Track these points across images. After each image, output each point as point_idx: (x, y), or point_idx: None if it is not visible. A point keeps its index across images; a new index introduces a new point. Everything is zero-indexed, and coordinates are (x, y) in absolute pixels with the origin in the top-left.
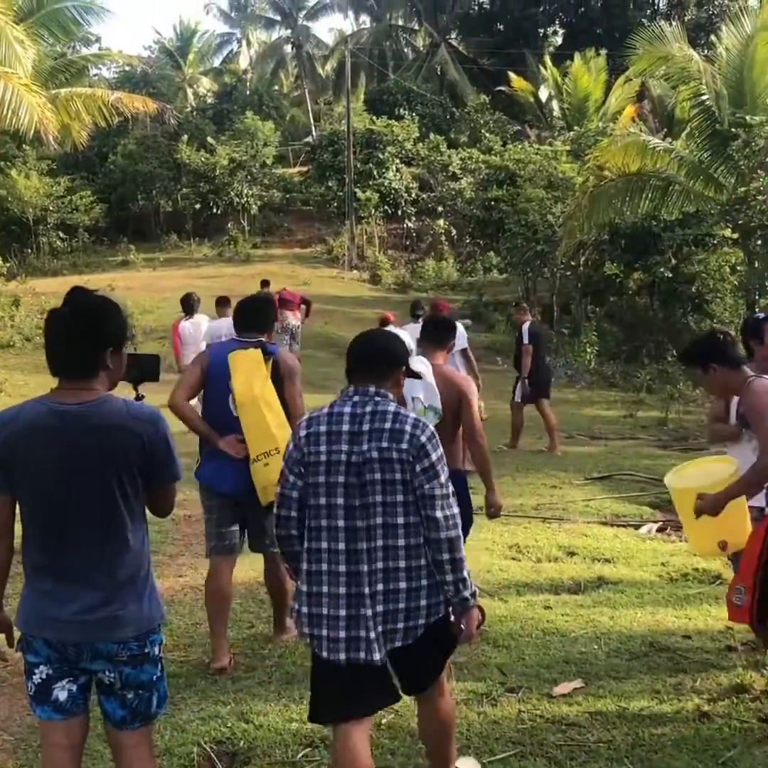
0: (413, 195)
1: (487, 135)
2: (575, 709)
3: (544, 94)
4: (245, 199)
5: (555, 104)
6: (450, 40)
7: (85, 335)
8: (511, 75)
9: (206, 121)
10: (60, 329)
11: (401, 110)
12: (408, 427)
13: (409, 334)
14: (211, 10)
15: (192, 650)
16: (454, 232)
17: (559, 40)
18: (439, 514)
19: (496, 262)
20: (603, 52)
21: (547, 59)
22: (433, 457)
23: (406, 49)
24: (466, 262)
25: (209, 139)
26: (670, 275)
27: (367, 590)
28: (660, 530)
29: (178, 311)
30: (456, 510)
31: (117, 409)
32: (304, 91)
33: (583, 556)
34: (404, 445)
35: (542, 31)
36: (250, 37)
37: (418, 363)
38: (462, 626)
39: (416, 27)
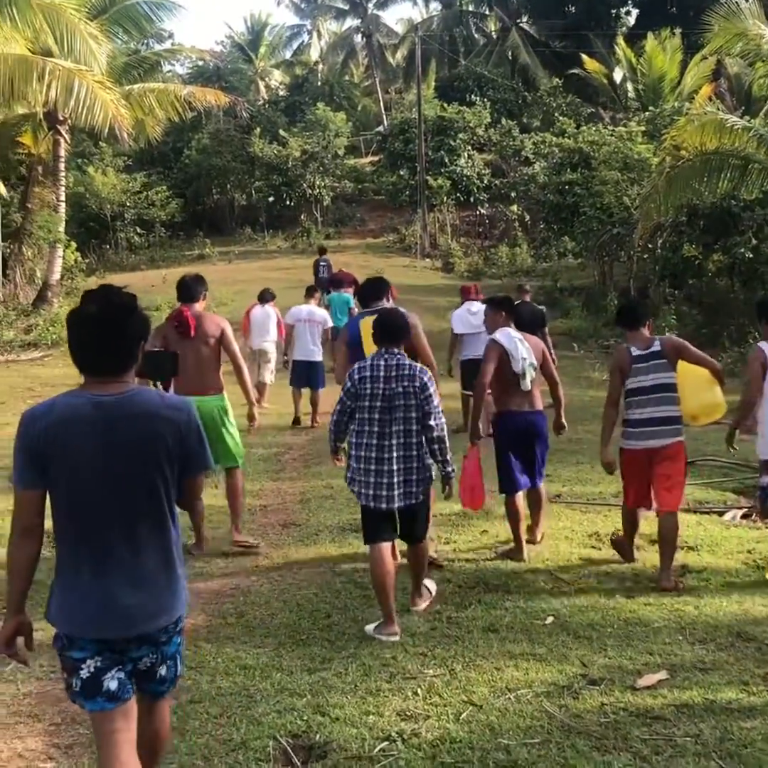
0: (485, 181)
1: (561, 118)
2: (660, 701)
3: (617, 75)
4: (318, 190)
5: (629, 85)
6: (521, 24)
7: (120, 331)
8: (584, 57)
9: (278, 114)
10: (92, 327)
11: (472, 96)
12: (417, 373)
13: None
14: (281, 3)
15: (268, 641)
16: (527, 217)
17: (631, 20)
18: (433, 422)
19: (571, 247)
20: (677, 30)
21: (620, 40)
22: (431, 390)
23: (476, 35)
24: (541, 247)
25: (281, 132)
26: (751, 256)
27: (394, 467)
28: (745, 517)
29: (252, 300)
30: (443, 420)
31: (151, 398)
32: (375, 80)
33: None
34: (416, 383)
35: (614, 11)
36: (320, 28)
37: (514, 332)
38: (447, 489)
39: (487, 12)
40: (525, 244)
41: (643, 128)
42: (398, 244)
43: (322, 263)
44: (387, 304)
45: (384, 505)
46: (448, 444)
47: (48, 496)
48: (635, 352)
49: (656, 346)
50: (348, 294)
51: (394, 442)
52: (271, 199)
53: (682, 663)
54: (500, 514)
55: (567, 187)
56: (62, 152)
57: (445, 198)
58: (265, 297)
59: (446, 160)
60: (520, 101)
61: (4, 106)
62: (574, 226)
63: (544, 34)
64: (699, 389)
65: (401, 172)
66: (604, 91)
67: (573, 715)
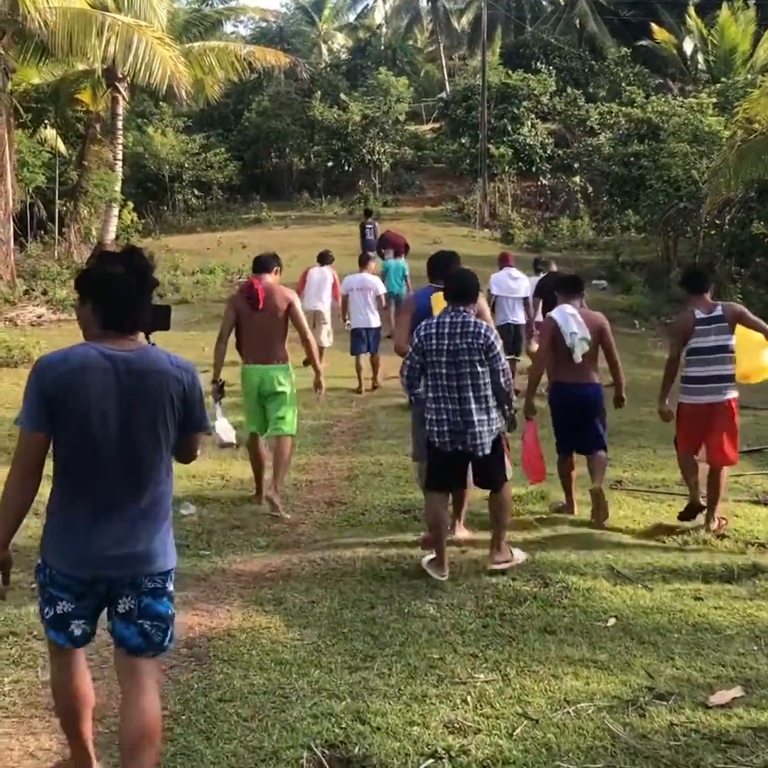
0: (548, 151)
1: (629, 88)
2: (735, 722)
3: (688, 46)
4: (377, 156)
5: (699, 57)
6: None
7: (141, 291)
8: (654, 26)
9: (340, 77)
10: (119, 285)
11: (538, 64)
12: (483, 331)
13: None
14: None
15: (307, 632)
16: (590, 189)
17: None
18: (501, 378)
19: (635, 221)
20: (751, 2)
21: (692, 10)
22: (497, 347)
23: (544, 1)
24: (603, 220)
25: (342, 96)
26: None
27: (471, 418)
28: None
29: (308, 265)
30: (509, 375)
31: (159, 356)
32: (439, 46)
33: (735, 540)
34: (481, 341)
35: None
36: None
37: (568, 309)
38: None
39: None
40: (587, 217)
41: (714, 100)
42: (457, 213)
43: (368, 226)
44: None
45: (460, 448)
46: (513, 398)
47: (52, 441)
48: (699, 315)
49: (718, 311)
50: (404, 262)
51: (466, 394)
52: (329, 164)
53: (758, 678)
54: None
55: (633, 158)
56: (120, 110)
57: (506, 167)
58: (325, 258)
59: (509, 129)
60: (586, 70)
61: (63, 62)
62: (639, 199)
63: (612, 3)
64: (753, 351)
65: (462, 140)
66: (673, 62)
67: (639, 736)
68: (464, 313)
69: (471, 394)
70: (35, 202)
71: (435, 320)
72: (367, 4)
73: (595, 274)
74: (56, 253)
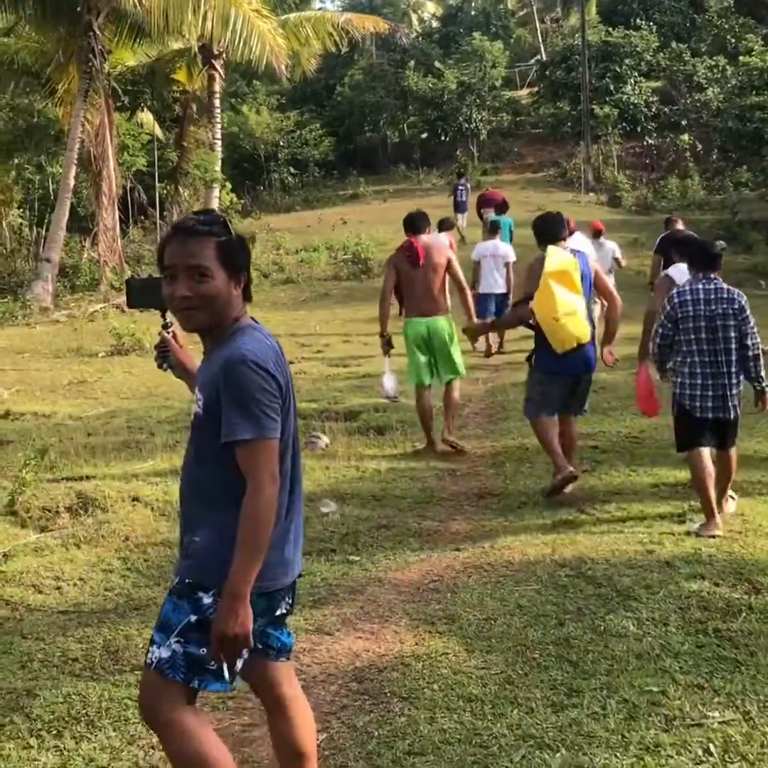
0: (653, 110)
1: (747, 36)
2: None
3: None
4: (474, 124)
5: None
6: None
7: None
8: None
9: (432, 46)
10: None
11: (637, 20)
12: (736, 296)
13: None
14: None
15: (492, 658)
16: (699, 147)
17: None
18: (750, 342)
19: (747, 178)
20: None
21: None
22: (748, 311)
23: None
24: (714, 178)
25: (436, 64)
26: None
27: (725, 381)
28: None
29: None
30: (759, 339)
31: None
32: (532, 8)
33: None
34: (736, 306)
35: None
36: None
37: (683, 266)
38: (760, 404)
39: None
40: (696, 176)
41: None
42: (559, 178)
43: (460, 187)
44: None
45: (721, 415)
46: (761, 358)
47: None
48: None
49: None
50: (510, 219)
51: (721, 358)
52: (424, 135)
53: None
54: None
55: (748, 112)
56: (217, 88)
57: (610, 128)
58: (444, 225)
59: (611, 88)
60: (688, 24)
61: (158, 42)
62: (759, 153)
63: None
64: None
65: (560, 104)
66: None
67: None
68: (715, 280)
69: (726, 357)
70: (135, 186)
71: (688, 287)
72: None
73: (712, 235)
74: (158, 238)
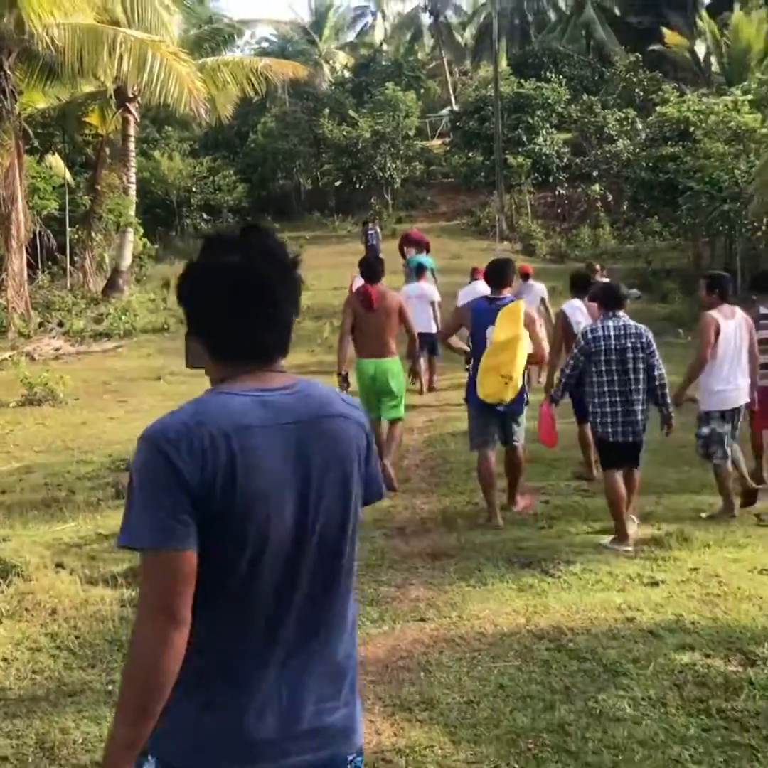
0: (565, 160)
1: (661, 88)
2: None
3: (699, 49)
4: (388, 172)
5: (713, 59)
6: None
7: (288, 295)
8: (665, 31)
9: (346, 95)
10: (254, 281)
11: (547, 73)
12: (643, 331)
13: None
14: None
15: (482, 751)
16: (610, 197)
17: None
18: (657, 372)
19: (658, 228)
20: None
21: (704, 12)
22: (654, 345)
23: (548, 11)
24: (624, 228)
25: (351, 112)
26: None
27: (635, 407)
28: None
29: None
30: (663, 369)
31: (326, 392)
32: (442, 61)
33: None
34: (643, 340)
35: None
36: (384, 8)
37: (576, 302)
38: (666, 427)
39: None
40: (607, 225)
41: (750, 97)
42: (473, 226)
43: (370, 232)
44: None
45: (630, 439)
46: (668, 390)
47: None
48: (763, 311)
49: None
50: (431, 259)
51: (631, 387)
52: (339, 182)
53: None
54: None
55: (660, 164)
56: (132, 131)
57: (524, 178)
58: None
59: (524, 139)
60: (596, 78)
61: (70, 84)
62: (670, 203)
63: (619, 8)
64: None
65: (473, 153)
66: (685, 65)
67: None
68: (622, 318)
69: (636, 386)
70: (44, 230)
71: (599, 324)
72: (367, 23)
73: (627, 284)
74: (69, 284)
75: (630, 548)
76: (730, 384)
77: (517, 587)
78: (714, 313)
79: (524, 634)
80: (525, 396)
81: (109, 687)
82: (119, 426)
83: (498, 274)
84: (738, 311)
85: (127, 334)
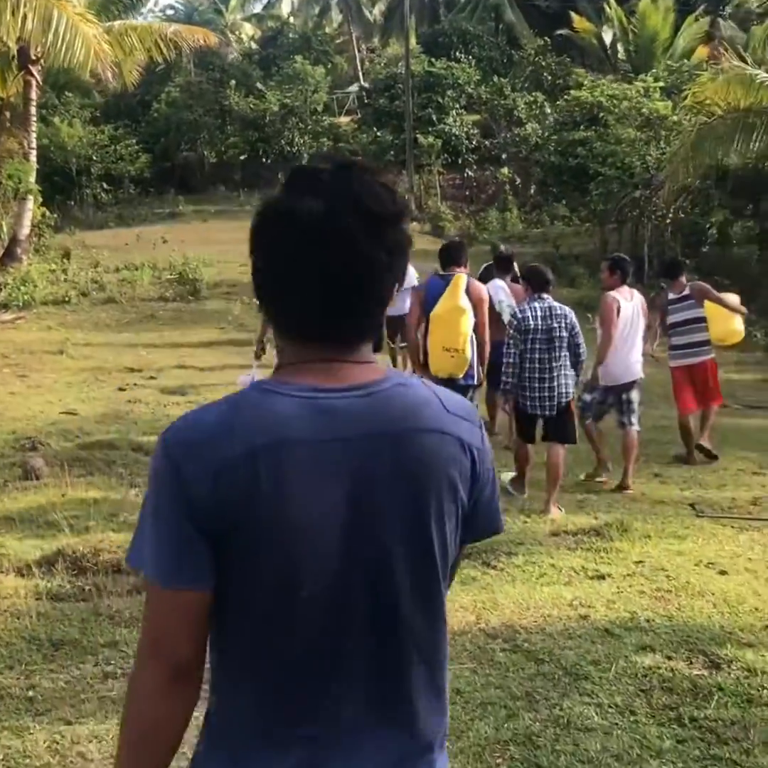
0: (474, 142)
1: (577, 70)
2: None
3: (607, 36)
4: (296, 147)
5: (620, 46)
6: None
7: (379, 258)
8: (574, 15)
9: (253, 67)
10: (327, 247)
11: (457, 53)
12: (567, 312)
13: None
14: None
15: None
16: (518, 181)
17: None
18: (580, 350)
19: (564, 212)
20: None
21: None
22: (577, 326)
23: None
24: (532, 212)
25: (258, 85)
26: None
27: (555, 383)
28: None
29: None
30: (585, 347)
31: (422, 397)
32: (351, 36)
33: None
34: (568, 320)
35: None
36: None
37: (499, 282)
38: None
39: None
40: (515, 209)
41: (661, 84)
42: None
43: None
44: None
45: (548, 412)
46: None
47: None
48: (671, 296)
49: (686, 291)
50: None
51: (553, 365)
52: (244, 156)
53: None
54: None
55: (569, 149)
56: (34, 95)
57: (434, 158)
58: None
59: (434, 119)
60: (505, 60)
61: None
62: (579, 189)
63: None
64: (722, 320)
65: (382, 132)
66: (592, 51)
67: None
68: (547, 299)
69: (558, 363)
70: None
71: (527, 305)
72: None
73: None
74: None
75: (524, 495)
76: (625, 362)
77: (459, 580)
78: (615, 294)
79: (476, 634)
80: (476, 370)
81: (30, 693)
82: (21, 401)
83: (445, 252)
84: (636, 294)
85: (27, 306)
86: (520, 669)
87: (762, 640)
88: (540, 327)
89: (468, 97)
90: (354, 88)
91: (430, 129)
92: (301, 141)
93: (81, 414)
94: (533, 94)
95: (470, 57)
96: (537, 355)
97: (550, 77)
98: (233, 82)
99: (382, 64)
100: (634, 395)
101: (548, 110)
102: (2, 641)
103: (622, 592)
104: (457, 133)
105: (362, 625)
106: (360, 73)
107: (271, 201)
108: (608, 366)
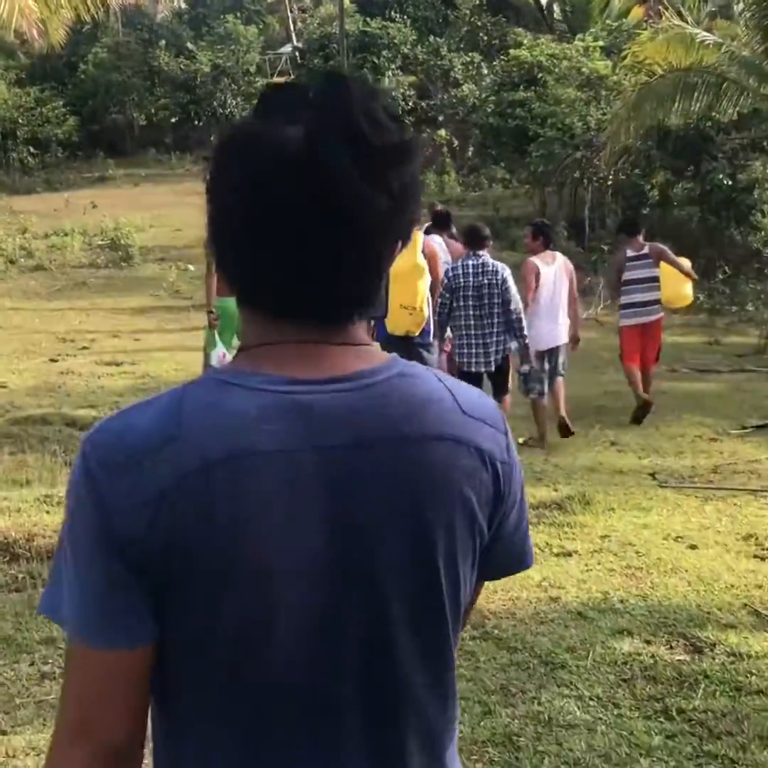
0: (411, 104)
1: (516, 29)
2: None
3: None
4: (229, 109)
5: (556, 7)
6: None
7: (379, 206)
8: None
9: (183, 26)
10: (308, 189)
11: (392, 13)
12: (499, 269)
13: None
14: None
15: None
16: (456, 143)
17: None
18: (512, 307)
19: (503, 174)
20: None
21: None
22: (510, 282)
23: None
24: (469, 175)
25: (189, 45)
26: (730, 182)
27: (490, 340)
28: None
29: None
30: (520, 305)
31: (428, 392)
32: None
33: None
34: (499, 277)
35: None
36: None
37: (437, 238)
38: (522, 357)
39: None
40: (453, 172)
41: (601, 43)
42: None
43: None
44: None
45: (483, 369)
46: (524, 323)
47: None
48: (630, 253)
49: (645, 250)
50: None
51: (487, 321)
52: (175, 119)
53: None
54: None
55: (510, 108)
56: None
57: None
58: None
59: (370, 80)
60: (440, 20)
61: None
62: (524, 150)
63: None
64: (673, 283)
65: None
66: (528, 12)
67: None
68: (482, 257)
69: (492, 320)
70: None
71: (460, 263)
72: None
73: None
74: None
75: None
76: (549, 325)
77: None
78: (535, 260)
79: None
80: (431, 326)
81: None
82: None
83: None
84: (559, 257)
85: None
86: (491, 658)
87: (742, 620)
88: (471, 284)
89: (404, 57)
90: (287, 48)
91: None
92: (234, 103)
93: (10, 387)
94: (470, 54)
95: (405, 16)
96: (470, 312)
97: (486, 37)
98: (163, 42)
99: (316, 24)
100: (561, 359)
101: (485, 71)
102: None
103: (591, 569)
104: (393, 94)
105: (350, 698)
106: (293, 34)
107: (239, 124)
108: (533, 330)
